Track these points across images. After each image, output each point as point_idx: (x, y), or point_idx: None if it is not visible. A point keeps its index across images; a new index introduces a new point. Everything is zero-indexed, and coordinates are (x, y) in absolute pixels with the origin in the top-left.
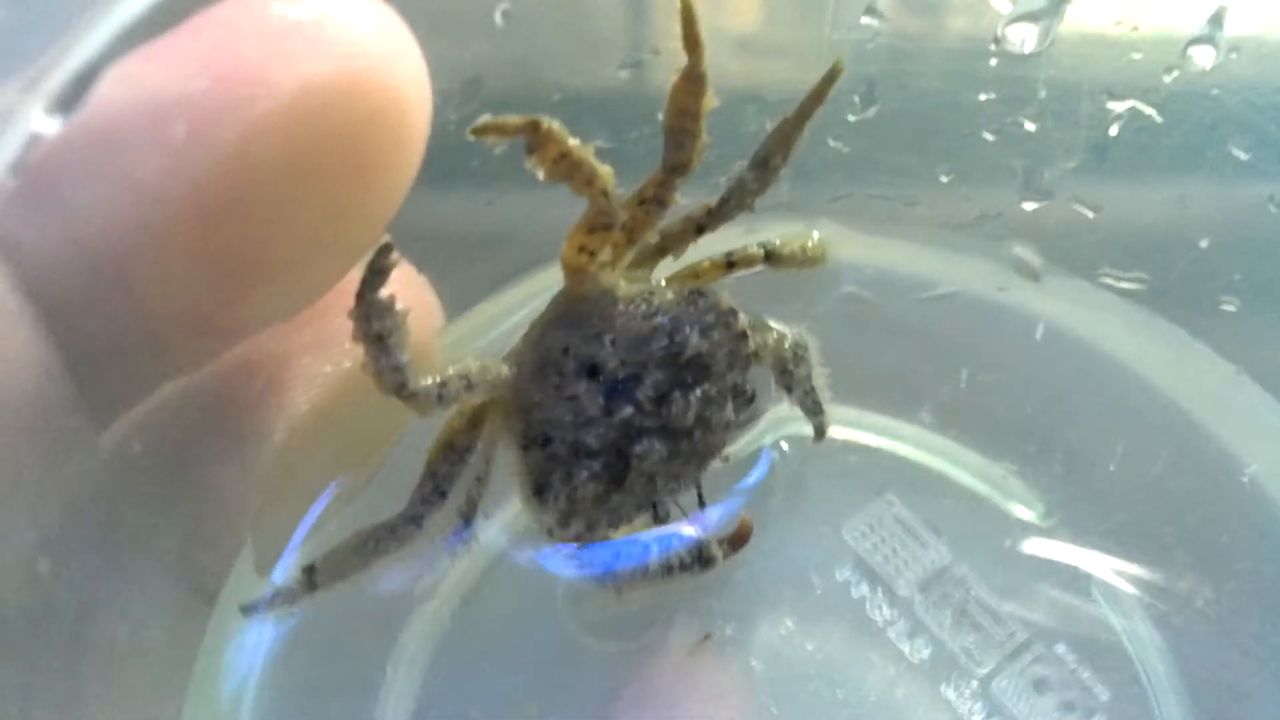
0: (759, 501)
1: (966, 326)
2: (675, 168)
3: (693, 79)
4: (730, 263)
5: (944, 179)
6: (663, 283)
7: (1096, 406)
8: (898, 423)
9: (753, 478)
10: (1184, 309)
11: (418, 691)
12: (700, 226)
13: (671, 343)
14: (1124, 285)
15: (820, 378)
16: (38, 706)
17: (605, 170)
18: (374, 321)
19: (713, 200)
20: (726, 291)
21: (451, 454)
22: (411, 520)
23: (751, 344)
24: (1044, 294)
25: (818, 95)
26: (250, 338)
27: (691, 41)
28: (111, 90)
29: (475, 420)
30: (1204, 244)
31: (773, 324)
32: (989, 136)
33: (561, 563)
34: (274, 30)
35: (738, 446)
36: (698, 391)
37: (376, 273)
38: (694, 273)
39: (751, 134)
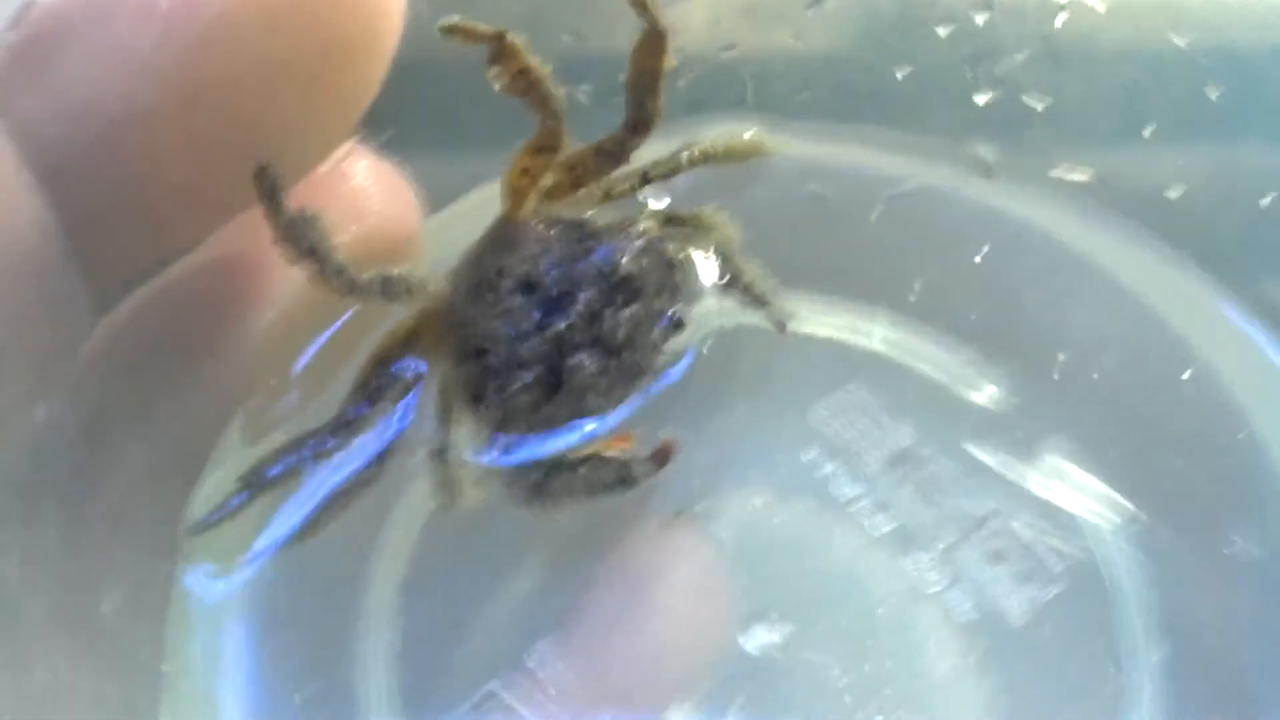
0: (731, 389)
1: (925, 222)
2: (635, 126)
3: (652, 39)
4: (646, 177)
5: (899, 75)
6: (593, 213)
7: (1051, 297)
8: (860, 317)
9: (666, 379)
10: (1133, 199)
11: (406, 563)
12: (615, 156)
13: (604, 264)
14: (1074, 178)
15: (756, 272)
16: (33, 563)
17: (559, 94)
18: (299, 239)
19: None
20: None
21: (382, 369)
22: (340, 428)
23: (680, 272)
24: (999, 189)
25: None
26: (235, 216)
27: (637, 4)
28: None
29: (408, 340)
30: (1147, 133)
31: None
32: (941, 31)
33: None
34: None
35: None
36: (627, 311)
37: (270, 195)
38: (608, 191)
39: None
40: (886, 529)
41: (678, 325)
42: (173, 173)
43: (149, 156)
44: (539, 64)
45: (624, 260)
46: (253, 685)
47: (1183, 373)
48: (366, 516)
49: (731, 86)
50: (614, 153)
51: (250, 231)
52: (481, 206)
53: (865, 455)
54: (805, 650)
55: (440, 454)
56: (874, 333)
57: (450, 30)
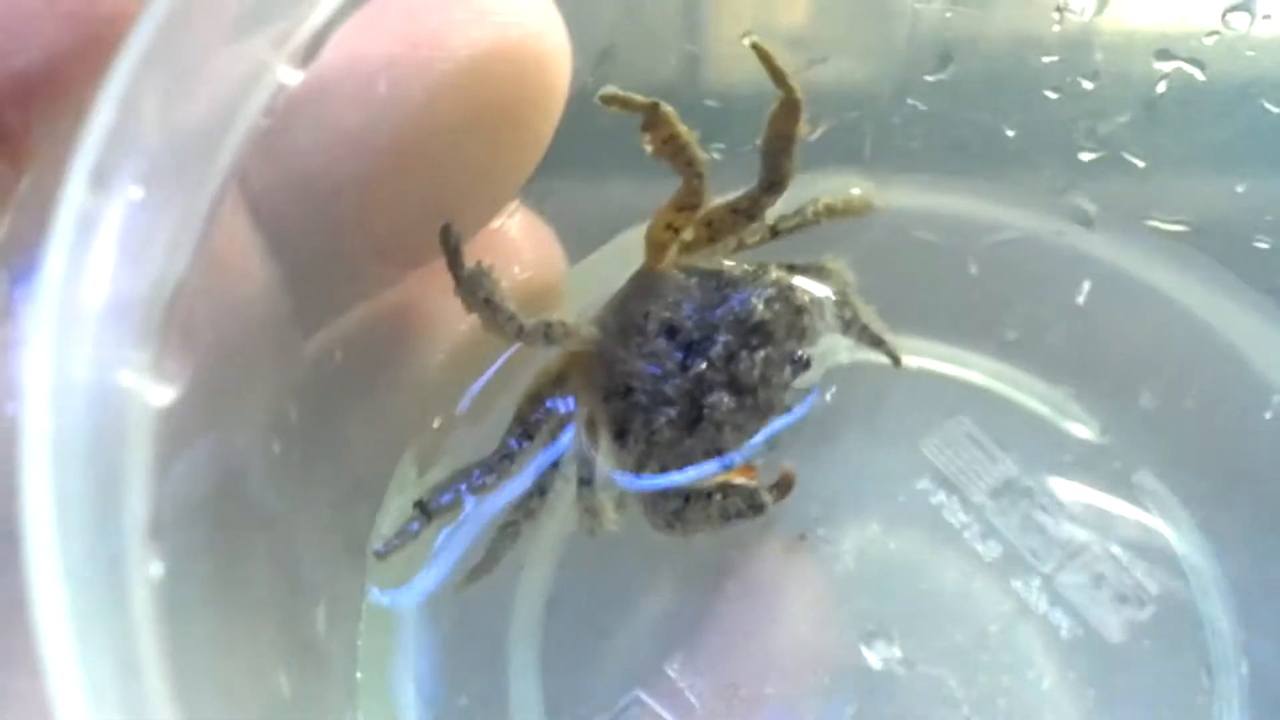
0: (849, 421)
1: (1028, 267)
2: (769, 185)
3: (788, 107)
4: (775, 230)
5: (1010, 133)
6: (729, 263)
7: (1145, 337)
8: (967, 352)
9: (791, 417)
10: (1223, 248)
11: (551, 580)
12: (749, 215)
13: (739, 310)
14: (1169, 228)
15: (870, 313)
16: (270, 563)
17: (703, 158)
18: (476, 291)
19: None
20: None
21: (538, 403)
22: (500, 461)
23: (807, 314)
24: (1097, 237)
25: (776, 73)
26: (421, 266)
27: (776, 78)
28: (326, 53)
29: (559, 378)
30: (1240, 189)
31: (813, 284)
32: (1051, 95)
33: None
34: (446, 3)
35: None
36: (760, 354)
37: (452, 252)
38: (744, 242)
39: None
40: (995, 554)
41: (805, 365)
42: (374, 232)
43: (357, 220)
44: (687, 130)
45: (757, 306)
46: (425, 690)
47: (1263, 408)
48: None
49: (853, 140)
50: (749, 210)
51: (423, 282)
52: (618, 257)
53: (974, 484)
54: (923, 664)
55: (586, 483)
56: (978, 367)
57: (609, 100)
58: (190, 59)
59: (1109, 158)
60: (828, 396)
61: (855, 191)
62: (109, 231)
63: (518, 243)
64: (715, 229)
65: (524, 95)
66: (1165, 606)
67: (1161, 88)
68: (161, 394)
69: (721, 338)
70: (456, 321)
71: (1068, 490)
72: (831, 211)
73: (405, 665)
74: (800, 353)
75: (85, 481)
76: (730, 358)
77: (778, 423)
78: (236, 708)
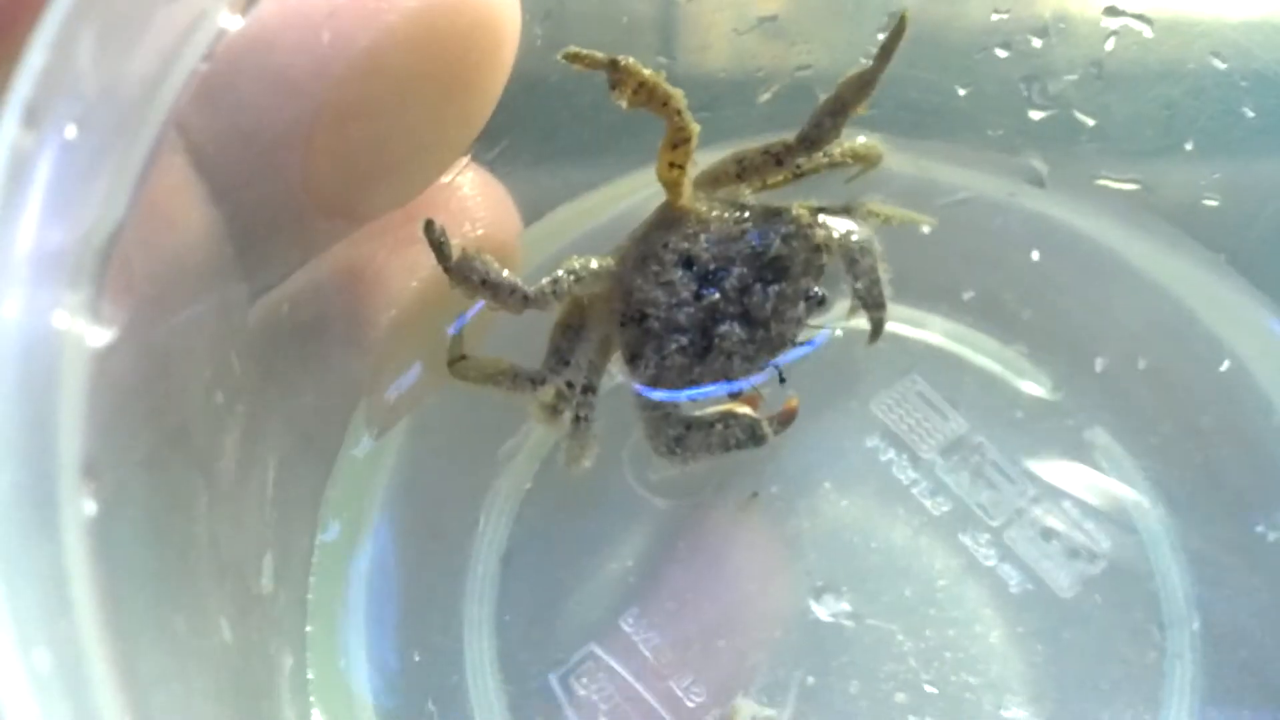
0: (800, 382)
1: (981, 228)
2: (806, 140)
3: (864, 81)
4: (799, 172)
5: (961, 92)
6: (751, 198)
7: (1097, 295)
8: (921, 313)
9: (804, 349)
10: (1173, 206)
11: (506, 538)
12: (779, 160)
13: (757, 245)
14: (1120, 186)
15: (884, 274)
16: (212, 512)
17: (677, 93)
18: (471, 276)
19: (789, 137)
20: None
21: (569, 330)
22: (548, 375)
23: (824, 253)
24: (1049, 196)
25: (891, 46)
26: (370, 221)
27: (885, 55)
28: (271, 3)
29: (580, 308)
30: (1188, 147)
31: (845, 223)
32: (1000, 53)
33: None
34: None
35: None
36: (775, 288)
37: (438, 246)
38: (766, 183)
39: None
40: (944, 509)
41: (820, 302)
42: (319, 185)
43: (302, 171)
44: (652, 74)
45: (774, 242)
46: (376, 645)
47: (1217, 367)
48: (469, 497)
49: (807, 101)
50: (779, 156)
51: (373, 238)
52: (575, 220)
53: (924, 441)
54: (872, 618)
55: (590, 390)
56: (933, 326)
57: (572, 57)
58: (128, 1)
59: (1059, 116)
60: (839, 332)
61: (861, 140)
62: (43, 171)
63: (470, 200)
64: (745, 169)
65: (472, 48)
66: (1116, 561)
67: (1110, 45)
68: (98, 335)
69: (737, 270)
70: (407, 278)
71: (1019, 447)
72: (856, 156)
73: (356, 620)
74: (815, 290)
75: (14, 417)
76: (744, 290)
77: (792, 354)
78: (175, 651)
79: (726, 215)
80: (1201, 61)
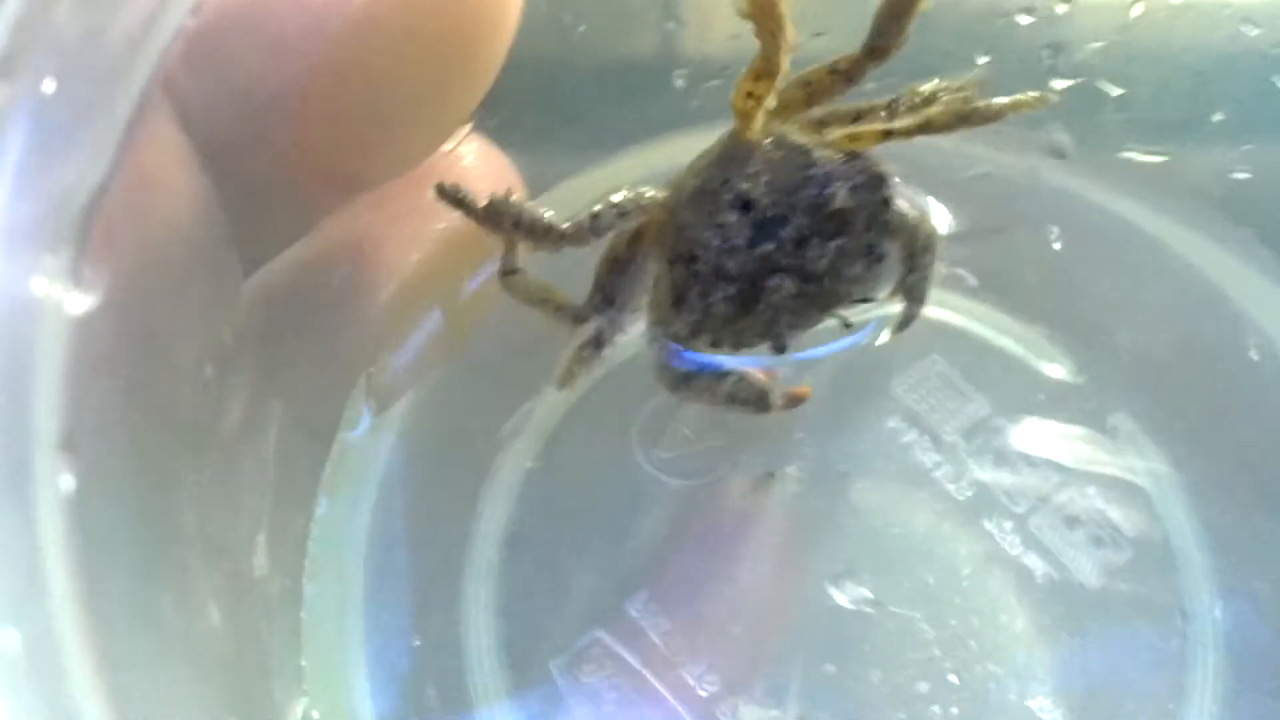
0: (810, 361)
1: (1003, 202)
2: (873, 51)
3: None
4: (888, 133)
5: (981, 60)
6: (826, 138)
7: (1122, 273)
8: (942, 291)
9: (855, 338)
10: (1201, 179)
11: (509, 519)
12: (849, 77)
13: (821, 194)
14: (1145, 159)
15: (937, 272)
16: (201, 491)
17: (791, 30)
18: (502, 221)
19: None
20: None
21: (616, 266)
22: (590, 314)
23: (892, 213)
24: (1072, 170)
25: None
26: (368, 191)
27: None
28: None
29: (633, 240)
30: (1217, 117)
31: (918, 207)
32: (1023, 20)
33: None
34: None
35: (859, 314)
36: (835, 242)
37: (457, 200)
38: (854, 136)
39: None
40: (967, 494)
41: (879, 259)
42: (315, 151)
43: (296, 135)
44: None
45: (840, 193)
46: (375, 632)
47: (1244, 347)
48: (471, 476)
49: None
50: (848, 72)
51: (373, 211)
52: (577, 195)
53: (946, 423)
54: (894, 605)
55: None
56: (953, 306)
57: None
58: None
59: (1083, 86)
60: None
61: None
62: (19, 126)
63: (472, 170)
64: (813, 90)
65: (473, 8)
66: (1141, 549)
67: (1137, 10)
68: (78, 302)
69: (796, 220)
70: (408, 250)
71: (1041, 431)
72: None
73: (353, 604)
74: (878, 246)
75: None
76: (801, 242)
77: (838, 343)
78: (159, 635)
79: (794, 157)
80: (1232, 28)
